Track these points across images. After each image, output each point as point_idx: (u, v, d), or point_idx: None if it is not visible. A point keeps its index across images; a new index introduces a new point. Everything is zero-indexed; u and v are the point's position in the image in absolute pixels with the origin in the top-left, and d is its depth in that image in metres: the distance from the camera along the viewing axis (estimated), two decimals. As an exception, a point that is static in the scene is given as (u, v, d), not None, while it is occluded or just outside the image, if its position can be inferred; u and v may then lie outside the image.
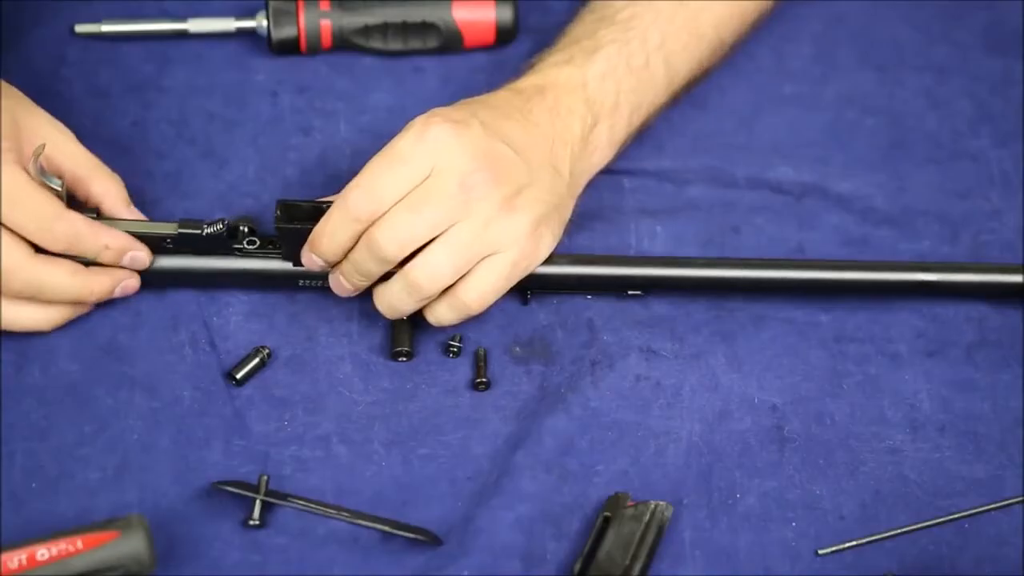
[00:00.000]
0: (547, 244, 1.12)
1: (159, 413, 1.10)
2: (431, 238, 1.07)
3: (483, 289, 1.09)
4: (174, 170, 1.21)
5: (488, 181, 1.08)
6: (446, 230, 1.07)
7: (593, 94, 1.17)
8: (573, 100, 1.16)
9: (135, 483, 1.07)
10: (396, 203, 1.07)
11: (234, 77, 1.26)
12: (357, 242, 1.08)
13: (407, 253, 1.07)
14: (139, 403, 1.10)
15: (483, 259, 1.09)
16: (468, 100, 1.14)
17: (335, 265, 1.11)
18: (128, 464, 1.08)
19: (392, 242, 1.07)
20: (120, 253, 1.11)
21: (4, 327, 1.09)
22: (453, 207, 1.07)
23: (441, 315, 1.11)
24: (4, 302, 1.08)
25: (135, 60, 1.26)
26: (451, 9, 1.26)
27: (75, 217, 1.09)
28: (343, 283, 1.11)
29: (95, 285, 1.11)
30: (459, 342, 1.14)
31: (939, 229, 1.23)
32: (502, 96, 1.16)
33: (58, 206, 1.08)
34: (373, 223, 1.07)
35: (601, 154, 1.18)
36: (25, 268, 1.07)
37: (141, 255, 1.12)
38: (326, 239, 1.09)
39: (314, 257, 1.10)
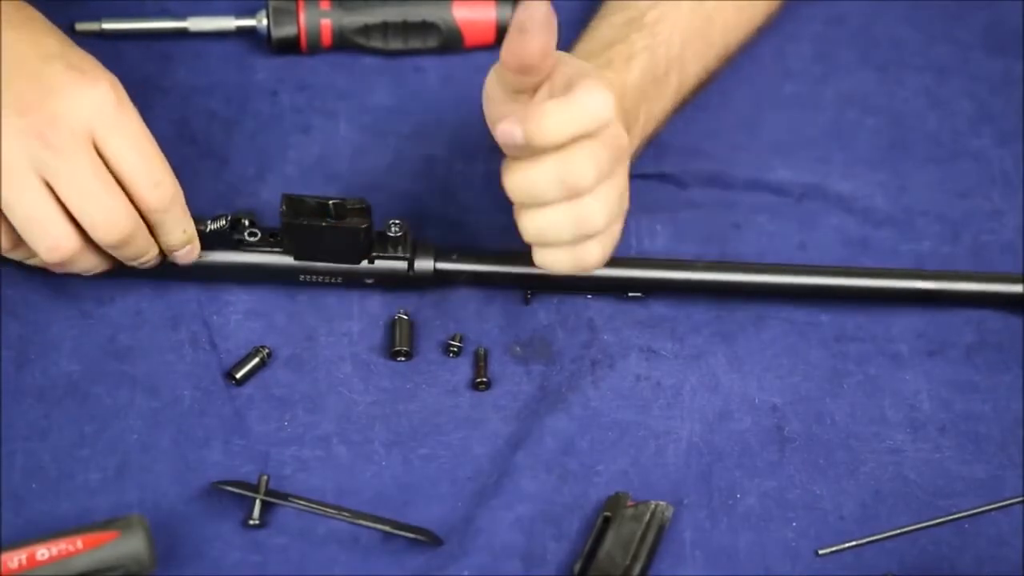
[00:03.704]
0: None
1: (159, 413, 1.10)
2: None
3: (606, 252, 1.05)
4: (174, 169, 1.21)
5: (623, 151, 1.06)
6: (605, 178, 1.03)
7: (628, 104, 1.14)
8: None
9: (135, 483, 1.07)
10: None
11: (234, 76, 1.26)
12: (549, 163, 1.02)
13: (592, 185, 1.01)
14: (139, 403, 1.10)
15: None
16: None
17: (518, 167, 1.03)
18: (128, 464, 1.08)
19: (589, 174, 1.01)
20: None
21: None
22: (610, 163, 1.03)
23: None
24: None
25: (135, 59, 1.26)
26: (451, 8, 1.26)
27: None
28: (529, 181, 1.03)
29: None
30: (459, 342, 1.14)
31: (940, 229, 1.23)
32: None
33: None
34: (556, 154, 1.01)
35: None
36: None
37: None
38: (549, 119, 1.00)
39: (517, 130, 1.01)
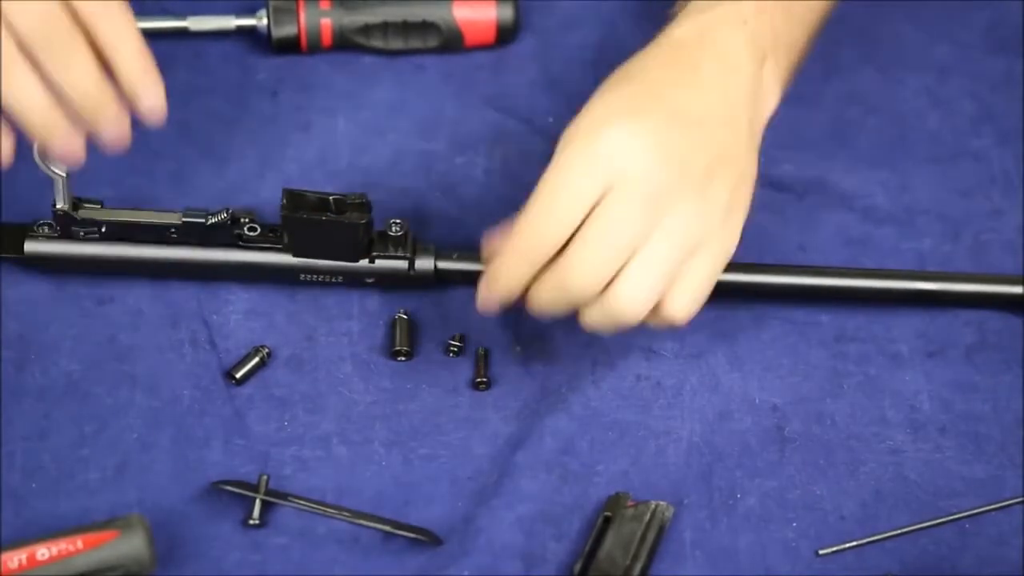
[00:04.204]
0: (740, 220, 1.04)
1: (159, 412, 1.10)
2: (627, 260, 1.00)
3: (689, 302, 1.02)
4: (175, 169, 1.21)
5: (676, 181, 0.99)
6: (641, 247, 0.99)
7: (755, 29, 1.05)
8: (737, 42, 1.05)
9: (135, 483, 1.07)
10: (578, 231, 0.98)
11: (234, 75, 1.26)
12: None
13: (603, 287, 1.00)
14: (139, 402, 1.10)
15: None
16: (629, 68, 1.04)
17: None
18: (128, 464, 1.08)
19: (585, 284, 0.99)
20: None
21: None
22: (644, 224, 0.98)
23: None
24: None
25: (135, 58, 1.26)
26: (452, 8, 1.26)
27: None
28: (537, 306, 1.03)
29: None
30: (460, 342, 1.14)
31: (940, 228, 1.23)
32: (665, 55, 1.05)
33: None
34: (561, 264, 0.99)
35: (773, 96, 1.08)
36: None
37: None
38: (503, 281, 1.02)
39: (493, 296, 1.03)
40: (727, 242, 1.04)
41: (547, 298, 1.02)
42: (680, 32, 1.06)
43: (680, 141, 1.00)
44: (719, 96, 1.04)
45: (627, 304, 1.01)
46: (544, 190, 1.00)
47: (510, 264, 1.02)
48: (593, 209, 0.99)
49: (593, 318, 1.03)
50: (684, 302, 1.02)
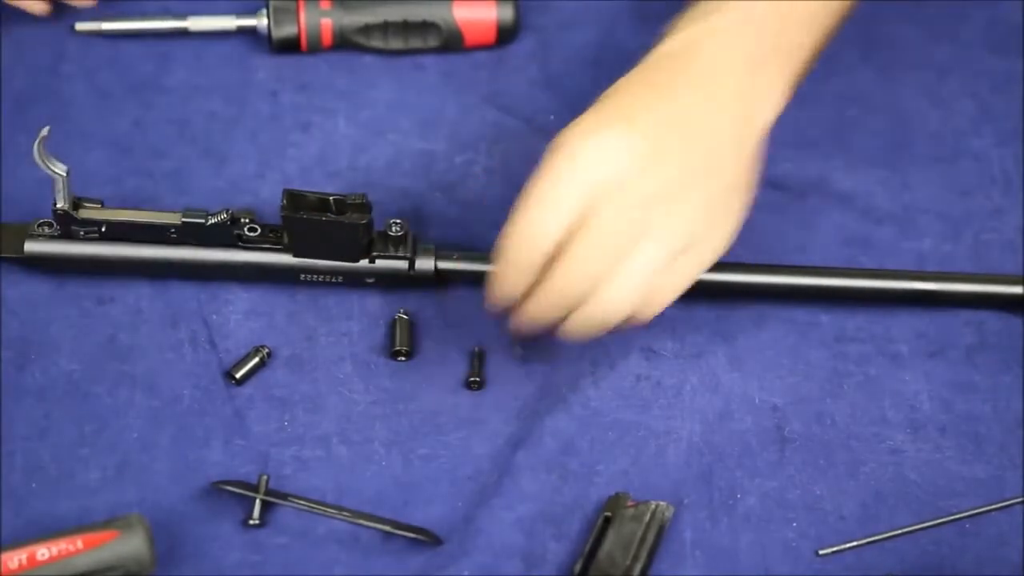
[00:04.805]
0: (729, 226, 1.07)
1: (159, 412, 1.10)
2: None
3: (664, 303, 1.06)
4: (174, 169, 1.21)
5: (661, 188, 1.02)
6: (630, 251, 1.03)
7: (744, 39, 1.08)
8: (723, 54, 1.07)
9: (135, 482, 1.07)
10: (565, 240, 1.01)
11: (234, 76, 1.26)
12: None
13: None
14: (139, 402, 1.10)
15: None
16: (617, 85, 1.06)
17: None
18: (128, 463, 1.08)
19: (578, 291, 1.02)
20: None
21: None
22: (632, 230, 1.02)
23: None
24: None
25: (135, 59, 1.26)
26: (452, 8, 1.26)
27: None
28: (532, 313, 1.06)
29: None
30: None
31: (941, 228, 1.23)
32: (651, 71, 1.07)
33: None
34: (555, 272, 1.02)
35: (771, 101, 1.09)
36: None
37: None
38: (500, 288, 1.05)
39: (496, 302, 1.06)
40: (714, 246, 1.07)
41: (542, 305, 1.05)
42: (667, 47, 1.09)
43: (664, 149, 1.03)
44: (701, 107, 1.06)
45: (613, 307, 1.04)
46: (530, 201, 1.02)
47: (504, 273, 1.05)
48: (580, 217, 1.02)
49: (575, 322, 1.05)
50: (661, 303, 1.06)
